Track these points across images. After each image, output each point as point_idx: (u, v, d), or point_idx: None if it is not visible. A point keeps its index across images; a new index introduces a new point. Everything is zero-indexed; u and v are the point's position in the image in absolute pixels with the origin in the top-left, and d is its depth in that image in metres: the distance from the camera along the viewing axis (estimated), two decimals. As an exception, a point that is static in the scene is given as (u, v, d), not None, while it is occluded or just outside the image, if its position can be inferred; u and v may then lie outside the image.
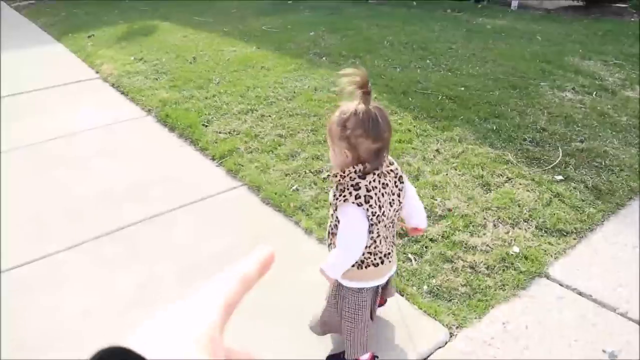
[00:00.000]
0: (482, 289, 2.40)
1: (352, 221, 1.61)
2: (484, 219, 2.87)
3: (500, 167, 3.36)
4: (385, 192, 1.63)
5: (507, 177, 3.26)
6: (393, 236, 1.79)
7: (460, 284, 2.42)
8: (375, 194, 1.59)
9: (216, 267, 2.53)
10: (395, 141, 3.62)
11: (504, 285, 2.43)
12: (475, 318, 2.25)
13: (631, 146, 3.65)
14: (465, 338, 2.16)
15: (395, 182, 1.68)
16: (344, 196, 1.58)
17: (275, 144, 3.72)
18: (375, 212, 1.60)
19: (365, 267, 1.75)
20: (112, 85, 5.28)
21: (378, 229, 1.65)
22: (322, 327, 2.02)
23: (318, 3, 8.79)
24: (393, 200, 1.67)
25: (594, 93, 4.52)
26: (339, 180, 1.59)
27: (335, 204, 1.62)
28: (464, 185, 3.18)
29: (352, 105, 1.51)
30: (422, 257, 2.60)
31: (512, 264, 2.55)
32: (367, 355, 1.95)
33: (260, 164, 3.47)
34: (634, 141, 3.71)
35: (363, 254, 1.71)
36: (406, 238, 2.70)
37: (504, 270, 2.52)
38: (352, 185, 1.58)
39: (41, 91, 5.29)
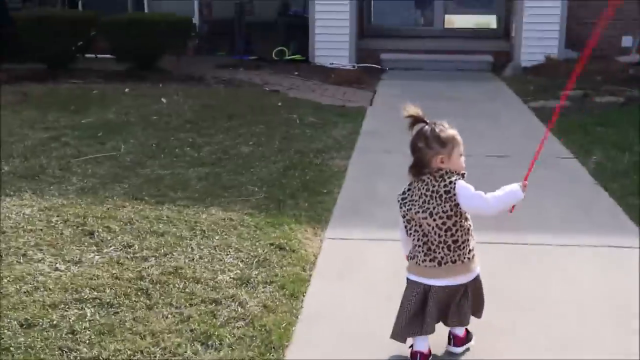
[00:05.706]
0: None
1: None
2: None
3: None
4: (418, 197, 1.99)
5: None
6: (438, 242, 1.98)
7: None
8: (409, 196, 2.04)
9: None
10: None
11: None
12: None
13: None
14: None
15: (433, 191, 1.95)
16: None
17: None
18: (403, 210, 2.07)
19: (409, 259, 2.11)
20: None
21: (409, 226, 2.07)
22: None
23: None
24: (424, 206, 1.97)
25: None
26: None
27: None
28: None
29: None
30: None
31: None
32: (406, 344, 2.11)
33: None
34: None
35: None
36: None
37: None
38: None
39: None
